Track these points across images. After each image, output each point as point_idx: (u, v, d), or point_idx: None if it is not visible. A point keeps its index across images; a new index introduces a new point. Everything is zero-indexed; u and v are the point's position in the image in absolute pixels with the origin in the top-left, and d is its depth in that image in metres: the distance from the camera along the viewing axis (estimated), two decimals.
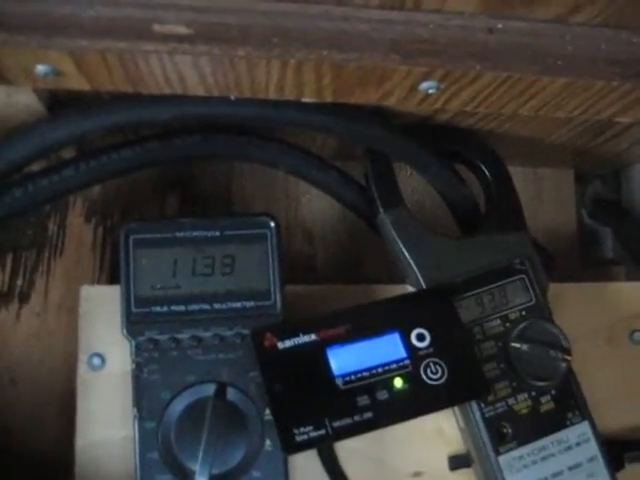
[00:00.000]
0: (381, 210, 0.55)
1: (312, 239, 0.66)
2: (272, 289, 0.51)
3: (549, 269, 0.56)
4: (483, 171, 0.57)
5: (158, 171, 0.64)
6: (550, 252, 0.58)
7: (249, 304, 0.51)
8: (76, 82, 0.41)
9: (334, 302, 0.53)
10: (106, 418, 0.51)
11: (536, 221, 0.60)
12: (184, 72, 0.40)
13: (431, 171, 0.56)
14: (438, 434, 0.55)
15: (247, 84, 0.42)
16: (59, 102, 0.49)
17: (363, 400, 0.48)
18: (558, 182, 0.71)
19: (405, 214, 0.55)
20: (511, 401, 0.52)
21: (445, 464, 0.55)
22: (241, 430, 0.49)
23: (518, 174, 0.61)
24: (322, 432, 0.47)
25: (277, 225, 0.52)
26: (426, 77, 0.42)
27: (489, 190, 0.57)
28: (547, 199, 0.71)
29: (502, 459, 0.51)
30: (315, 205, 0.66)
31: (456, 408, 0.53)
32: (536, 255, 0.55)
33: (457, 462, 0.54)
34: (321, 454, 0.52)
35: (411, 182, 0.68)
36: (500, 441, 0.51)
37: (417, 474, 0.54)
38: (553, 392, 0.53)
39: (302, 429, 0.47)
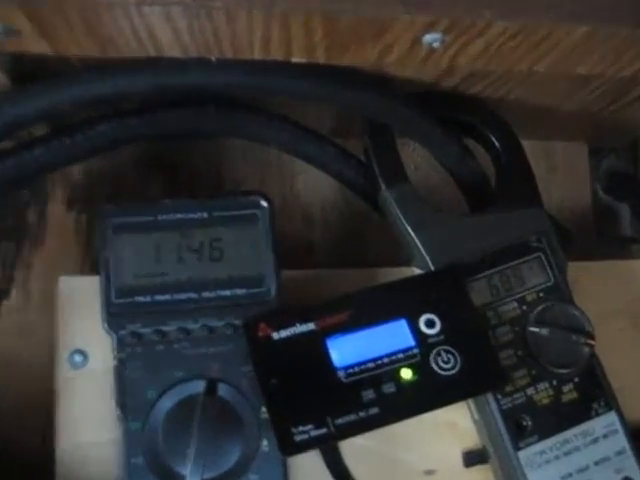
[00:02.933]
0: (383, 187, 0.49)
1: (310, 221, 0.60)
2: (266, 275, 0.45)
3: (567, 246, 0.50)
4: (493, 142, 0.51)
5: (144, 153, 0.58)
6: (568, 228, 0.52)
7: (241, 292, 0.45)
8: (35, 44, 0.35)
9: (335, 287, 0.48)
10: (89, 419, 0.46)
11: (548, 198, 0.54)
12: (155, 27, 0.34)
13: (436, 143, 0.50)
14: (451, 428, 0.49)
15: (228, 41, 0.36)
16: (25, 74, 0.43)
17: (368, 394, 0.42)
18: (571, 156, 0.65)
19: (409, 190, 0.49)
20: (530, 391, 0.46)
21: (459, 460, 0.49)
22: (235, 430, 0.43)
23: (528, 148, 0.55)
24: (324, 431, 0.41)
25: (270, 204, 0.46)
26: (430, 28, 0.36)
27: (500, 163, 0.51)
28: (560, 174, 0.64)
29: (522, 454, 0.45)
30: (312, 185, 0.60)
31: (470, 400, 0.47)
32: (553, 232, 0.49)
33: (472, 458, 0.48)
34: (325, 454, 0.46)
35: (414, 158, 0.61)
36: (519, 435, 0.45)
37: (430, 472, 0.48)
38: (576, 380, 0.47)
39: (301, 428, 0.41)
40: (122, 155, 0.58)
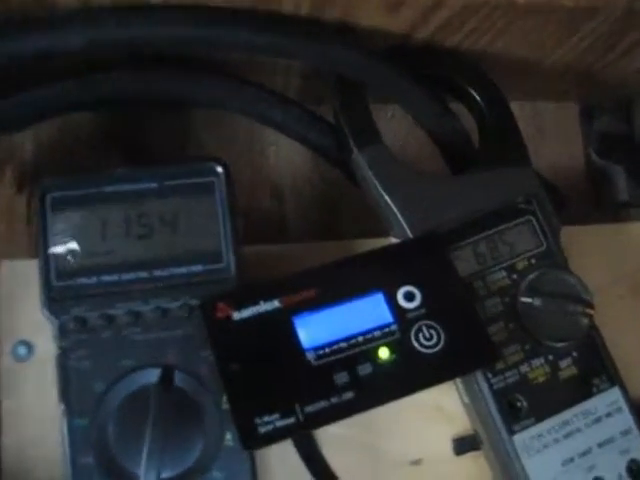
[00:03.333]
0: (355, 149, 0.44)
1: (282, 196, 0.55)
2: (224, 249, 0.40)
3: (560, 208, 0.45)
4: (473, 97, 0.46)
5: (98, 128, 0.53)
6: (560, 189, 0.47)
7: (197, 269, 0.40)
8: None
9: (308, 262, 0.42)
10: (37, 415, 0.41)
11: (537, 162, 0.48)
12: None
13: (411, 99, 0.45)
14: (438, 412, 0.44)
15: None
16: None
17: (341, 377, 0.37)
18: (561, 117, 0.60)
19: (383, 152, 0.44)
20: (524, 368, 0.41)
21: (449, 448, 0.44)
22: (195, 423, 0.38)
23: (515, 109, 0.50)
24: (292, 420, 0.36)
25: (226, 171, 0.41)
26: None
27: (482, 119, 0.46)
28: (549, 137, 0.59)
29: (517, 439, 0.40)
30: (283, 157, 0.55)
31: (458, 380, 0.42)
32: (544, 192, 0.44)
33: (463, 445, 0.44)
34: (298, 446, 0.41)
35: (392, 125, 0.56)
36: (514, 417, 0.40)
37: (416, 462, 0.44)
38: (574, 354, 0.42)
39: (266, 418, 0.36)
40: (75, 131, 0.53)
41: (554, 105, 0.59)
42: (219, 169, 0.41)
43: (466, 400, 0.42)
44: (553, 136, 0.59)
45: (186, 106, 0.51)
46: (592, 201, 0.60)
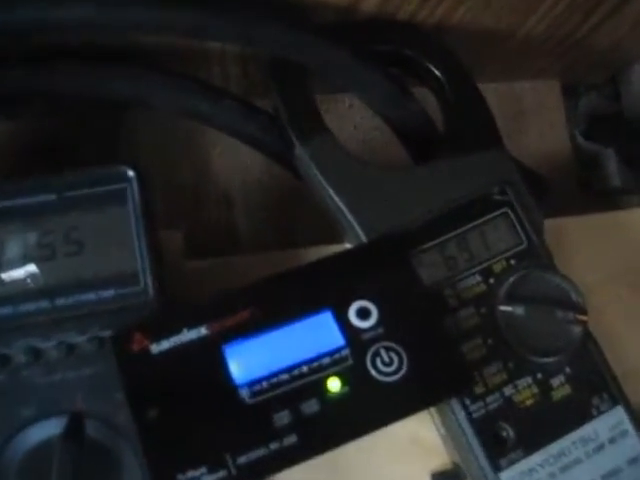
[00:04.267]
0: (297, 142, 0.36)
1: (230, 202, 0.47)
2: (140, 269, 0.33)
3: (541, 197, 0.37)
4: (432, 73, 0.38)
5: (19, 133, 0.45)
6: (539, 173, 0.39)
7: (108, 294, 0.32)
8: None
9: (258, 275, 0.35)
10: None
11: (518, 149, 0.41)
12: None
13: (360, 81, 0.38)
14: (414, 446, 0.37)
15: None
16: None
17: (282, 418, 0.30)
18: (542, 97, 0.52)
19: (329, 143, 0.36)
20: (509, 390, 0.33)
21: None
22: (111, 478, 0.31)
23: (490, 92, 0.42)
24: (222, 474, 0.29)
25: (140, 175, 0.33)
26: None
27: (445, 98, 0.38)
28: (530, 120, 0.52)
29: (505, 476, 0.33)
30: (229, 159, 0.47)
31: (432, 410, 0.34)
32: (521, 179, 0.36)
33: None
34: None
35: (352, 116, 0.49)
36: (499, 450, 0.33)
37: None
38: (567, 370, 0.34)
39: (190, 473, 0.28)
40: None
41: (533, 84, 0.52)
42: (130, 173, 0.33)
43: (443, 432, 0.35)
44: (534, 119, 0.52)
45: (107, 105, 0.44)
46: (580, 189, 0.52)
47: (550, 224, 0.37)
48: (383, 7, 0.38)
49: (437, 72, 0.38)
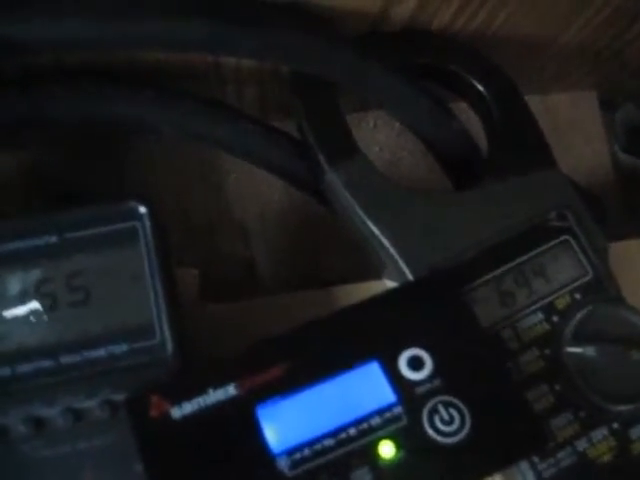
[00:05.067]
0: (326, 167, 0.32)
1: (247, 235, 0.43)
2: (155, 320, 0.28)
3: (602, 221, 0.33)
4: (476, 89, 0.34)
5: (19, 165, 0.41)
6: (598, 196, 0.35)
7: (120, 350, 0.28)
8: None
9: (285, 319, 0.30)
10: None
11: None
12: None
13: (395, 98, 0.33)
14: None
15: None
16: None
17: None
18: (579, 110, 0.48)
19: (364, 168, 0.32)
20: (582, 444, 0.29)
21: None
22: None
23: None
24: None
25: (152, 210, 0.29)
26: None
27: (490, 116, 0.34)
28: (566, 134, 0.47)
29: None
30: (246, 187, 0.43)
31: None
32: (581, 203, 0.32)
33: None
34: None
35: (377, 137, 0.45)
36: None
37: None
38: None
39: None
40: None
41: (569, 96, 0.47)
42: (142, 210, 0.29)
43: None
44: (571, 134, 0.47)
45: (112, 132, 0.39)
46: (622, 208, 0.48)
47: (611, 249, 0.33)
48: (417, 15, 0.34)
49: (480, 87, 0.34)
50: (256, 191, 0.43)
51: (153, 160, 0.42)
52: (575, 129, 0.48)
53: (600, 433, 0.29)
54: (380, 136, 0.44)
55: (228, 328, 0.33)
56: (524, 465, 0.28)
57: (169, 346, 0.28)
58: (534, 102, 0.46)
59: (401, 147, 0.44)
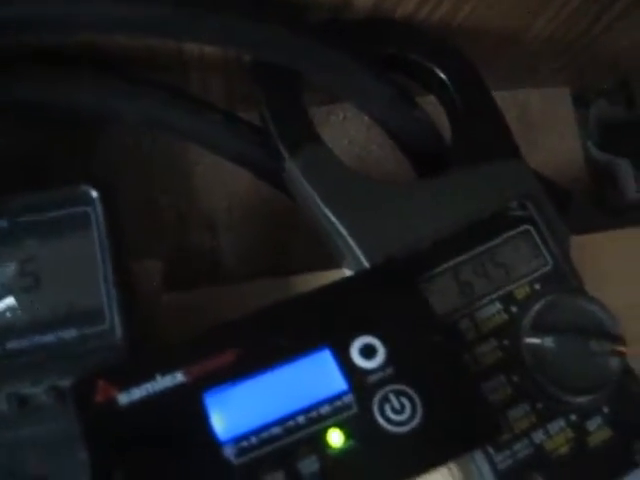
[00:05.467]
0: (286, 154, 0.31)
1: (214, 226, 0.42)
2: (106, 305, 0.27)
3: (565, 212, 0.32)
4: (437, 76, 0.34)
5: None
6: (561, 186, 0.34)
7: (68, 335, 0.27)
8: None
9: (244, 306, 0.30)
10: None
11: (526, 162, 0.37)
12: None
13: (357, 87, 0.33)
14: None
15: None
16: None
17: None
18: (550, 106, 0.48)
19: (324, 156, 0.31)
20: (539, 436, 0.28)
21: None
22: None
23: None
24: None
25: (106, 196, 0.28)
26: None
27: (453, 105, 0.34)
28: (539, 131, 0.47)
29: None
30: (213, 178, 0.42)
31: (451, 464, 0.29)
32: (542, 192, 0.32)
33: None
34: None
35: (346, 130, 0.44)
36: None
37: None
38: (605, 410, 0.29)
39: None
40: None
41: (540, 92, 0.47)
42: (93, 194, 0.28)
43: None
44: (543, 130, 0.47)
45: (79, 121, 0.39)
46: (594, 204, 0.48)
47: (573, 241, 0.32)
48: (380, 3, 0.33)
49: (442, 75, 0.33)
50: (223, 182, 0.42)
51: (120, 150, 0.42)
52: (547, 125, 0.47)
53: (557, 425, 0.28)
54: (349, 129, 0.44)
55: (189, 316, 0.32)
56: (479, 456, 0.28)
57: (118, 332, 0.27)
58: (505, 98, 0.46)
59: (371, 140, 0.44)
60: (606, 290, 0.31)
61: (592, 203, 0.48)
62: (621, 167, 0.48)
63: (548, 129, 0.47)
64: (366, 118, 0.44)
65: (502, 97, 0.44)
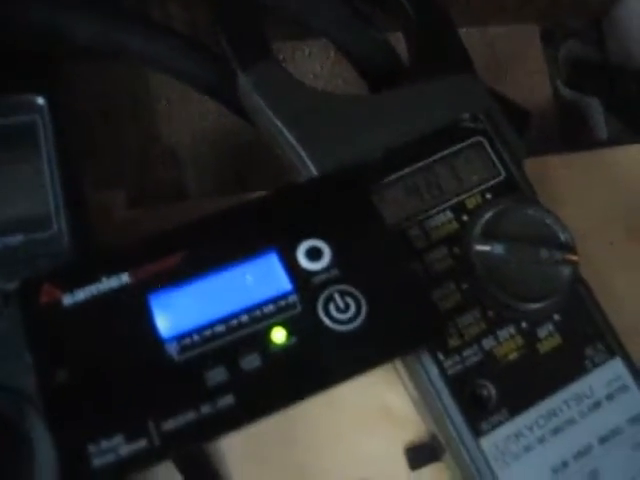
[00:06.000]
0: (239, 70, 0.31)
1: (177, 158, 0.42)
2: (53, 211, 0.27)
3: (522, 128, 0.32)
4: None
5: None
6: (520, 105, 0.34)
7: (14, 240, 0.27)
8: None
9: None
10: None
11: None
12: None
13: (312, 5, 0.32)
14: (385, 415, 0.32)
15: None
16: None
17: (217, 376, 0.24)
18: (519, 44, 0.47)
19: (276, 70, 0.31)
20: (489, 342, 0.28)
21: (402, 461, 0.31)
22: (22, 460, 0.25)
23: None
24: (142, 444, 0.23)
25: (52, 104, 0.28)
26: None
27: (407, 19, 0.33)
28: (506, 69, 0.47)
29: (486, 442, 0.27)
30: (177, 111, 0.42)
31: (400, 368, 0.29)
32: (495, 105, 0.31)
33: (419, 456, 0.31)
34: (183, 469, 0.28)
35: (312, 65, 0.44)
36: (479, 412, 0.28)
37: None
38: (556, 318, 0.29)
39: (104, 443, 0.23)
40: None
41: (508, 29, 0.47)
42: (40, 102, 0.28)
43: (414, 394, 0.29)
44: (511, 67, 0.47)
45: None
46: (563, 143, 0.47)
47: (532, 163, 0.32)
48: None
49: None
50: (186, 116, 0.42)
51: (79, 82, 0.41)
52: (516, 63, 0.47)
53: (507, 332, 0.28)
54: (315, 65, 0.44)
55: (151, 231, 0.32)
56: (428, 361, 0.28)
57: (65, 237, 0.27)
58: (473, 35, 0.46)
59: (335, 75, 0.43)
60: (563, 212, 0.31)
61: (561, 141, 0.48)
62: (591, 106, 0.47)
63: (516, 67, 0.47)
64: (332, 54, 0.44)
65: (469, 34, 0.45)
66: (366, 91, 0.37)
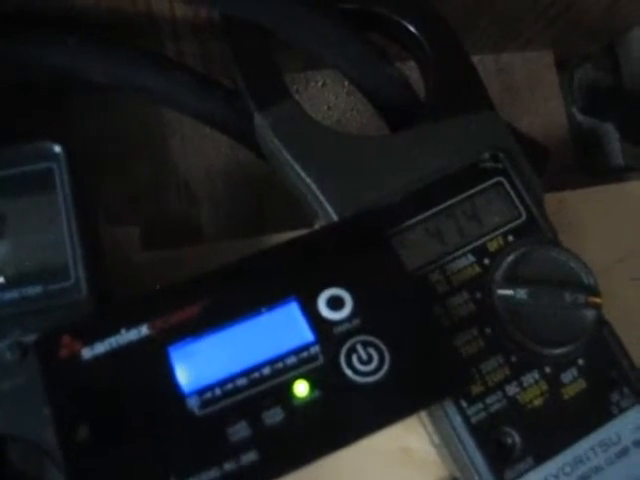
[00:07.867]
0: (255, 110, 0.31)
1: (193, 193, 0.41)
2: (71, 261, 0.27)
3: (541, 167, 0.32)
4: (407, 30, 0.33)
5: None
6: (537, 141, 0.34)
7: (32, 291, 0.27)
8: None
9: None
10: None
11: None
12: None
13: (326, 40, 0.32)
14: (405, 456, 0.31)
15: None
16: None
17: (239, 431, 0.24)
18: (534, 71, 0.47)
19: (293, 111, 0.31)
20: (512, 389, 0.28)
21: None
22: None
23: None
24: None
25: (69, 152, 0.28)
26: None
27: (424, 57, 0.33)
28: (520, 96, 0.46)
29: None
30: (191, 146, 0.42)
31: (423, 416, 0.29)
32: (515, 144, 0.31)
33: None
34: None
35: (326, 96, 0.44)
36: (504, 460, 0.27)
37: None
38: (580, 362, 0.28)
39: None
40: None
41: (523, 56, 0.46)
42: (57, 150, 0.28)
43: (437, 441, 0.29)
44: (526, 94, 0.46)
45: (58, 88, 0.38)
46: (579, 169, 0.47)
47: (550, 199, 0.32)
48: None
49: (412, 28, 0.33)
50: (202, 150, 0.42)
51: (96, 114, 0.41)
52: (531, 89, 0.47)
53: (531, 377, 0.28)
54: (329, 95, 0.44)
55: (168, 275, 0.32)
56: (452, 409, 0.27)
57: (83, 288, 0.27)
58: (486, 62, 0.45)
59: (350, 107, 0.43)
60: (584, 247, 0.30)
61: (577, 168, 0.47)
62: (607, 132, 0.47)
63: (531, 93, 0.46)
64: (346, 84, 0.43)
65: (481, 60, 0.44)
66: (382, 124, 0.36)
